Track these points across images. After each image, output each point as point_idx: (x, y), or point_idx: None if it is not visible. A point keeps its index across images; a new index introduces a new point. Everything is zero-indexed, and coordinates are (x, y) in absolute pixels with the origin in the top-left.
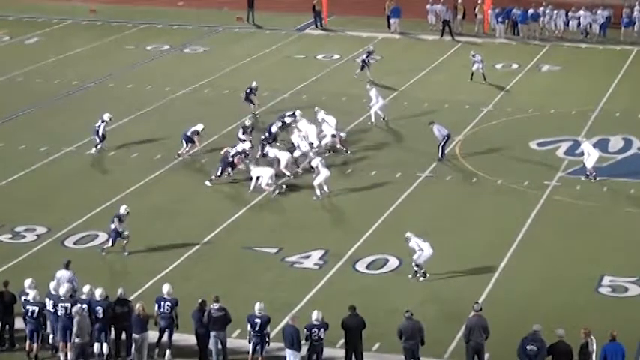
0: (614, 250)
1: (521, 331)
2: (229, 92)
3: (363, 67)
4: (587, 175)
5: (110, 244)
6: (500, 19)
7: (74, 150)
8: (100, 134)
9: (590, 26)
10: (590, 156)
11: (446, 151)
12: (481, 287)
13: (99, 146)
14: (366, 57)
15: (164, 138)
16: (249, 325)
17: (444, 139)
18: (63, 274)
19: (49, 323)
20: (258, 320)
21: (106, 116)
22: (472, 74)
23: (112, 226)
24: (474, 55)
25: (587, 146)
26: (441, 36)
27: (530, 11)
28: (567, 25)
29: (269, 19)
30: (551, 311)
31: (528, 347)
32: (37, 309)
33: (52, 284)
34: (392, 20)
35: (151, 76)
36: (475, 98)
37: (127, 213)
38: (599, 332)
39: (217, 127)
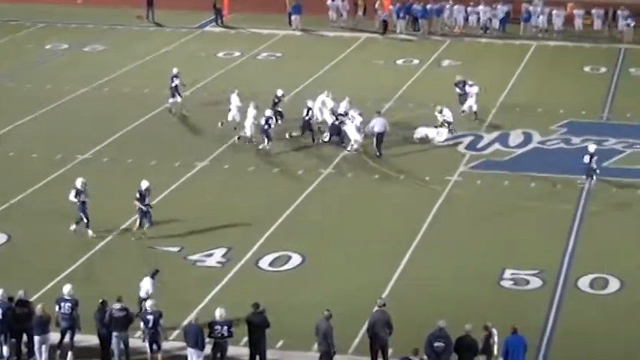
0: (515, 243)
1: (426, 325)
2: (130, 90)
3: None
4: None
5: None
6: (400, 15)
7: None
8: None
9: (490, 21)
10: None
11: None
12: (384, 282)
13: None
14: None
15: (65, 137)
16: (142, 323)
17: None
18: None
19: None
20: (150, 317)
21: None
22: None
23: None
24: (470, 86)
25: None
26: (382, 33)
27: (430, 7)
28: (467, 20)
29: (169, 17)
30: (455, 304)
31: (435, 344)
32: None
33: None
34: (293, 17)
35: (50, 75)
36: (377, 94)
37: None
38: (502, 325)
39: (121, 124)
